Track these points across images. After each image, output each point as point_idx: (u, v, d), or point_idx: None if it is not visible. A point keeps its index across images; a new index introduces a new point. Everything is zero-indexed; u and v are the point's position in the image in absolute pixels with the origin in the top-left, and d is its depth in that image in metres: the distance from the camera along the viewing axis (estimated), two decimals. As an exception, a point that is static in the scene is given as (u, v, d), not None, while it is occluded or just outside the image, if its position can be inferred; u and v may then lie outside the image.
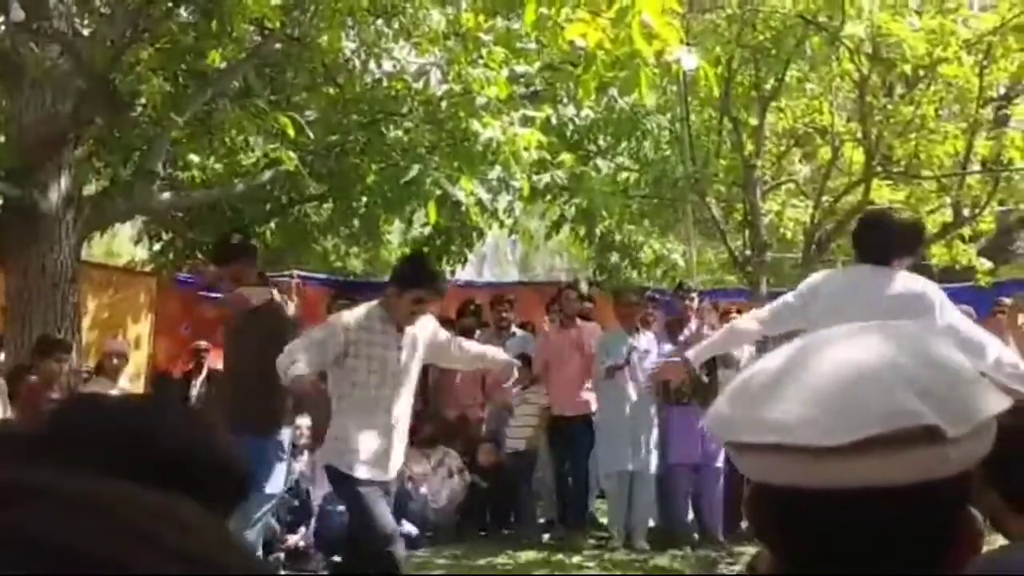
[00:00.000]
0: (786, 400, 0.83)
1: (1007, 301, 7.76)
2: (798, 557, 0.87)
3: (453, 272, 9.55)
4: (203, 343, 9.16)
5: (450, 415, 8.19)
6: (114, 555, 0.38)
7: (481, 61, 6.88)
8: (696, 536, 7.36)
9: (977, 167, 8.42)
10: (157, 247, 9.64)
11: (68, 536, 0.38)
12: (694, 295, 7.74)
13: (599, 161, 8.67)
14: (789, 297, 4.34)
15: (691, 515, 7.56)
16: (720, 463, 7.17)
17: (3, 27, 7.14)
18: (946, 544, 0.85)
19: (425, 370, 8.28)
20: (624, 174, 8.69)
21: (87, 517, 0.40)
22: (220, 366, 9.09)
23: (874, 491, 0.80)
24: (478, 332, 8.95)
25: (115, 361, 7.11)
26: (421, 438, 7.90)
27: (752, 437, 0.84)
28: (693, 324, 7.45)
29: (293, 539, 6.79)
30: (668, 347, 7.34)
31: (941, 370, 0.85)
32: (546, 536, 7.65)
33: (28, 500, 0.40)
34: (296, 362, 4.30)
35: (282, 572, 6.63)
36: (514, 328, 8.39)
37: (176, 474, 0.85)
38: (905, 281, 4.12)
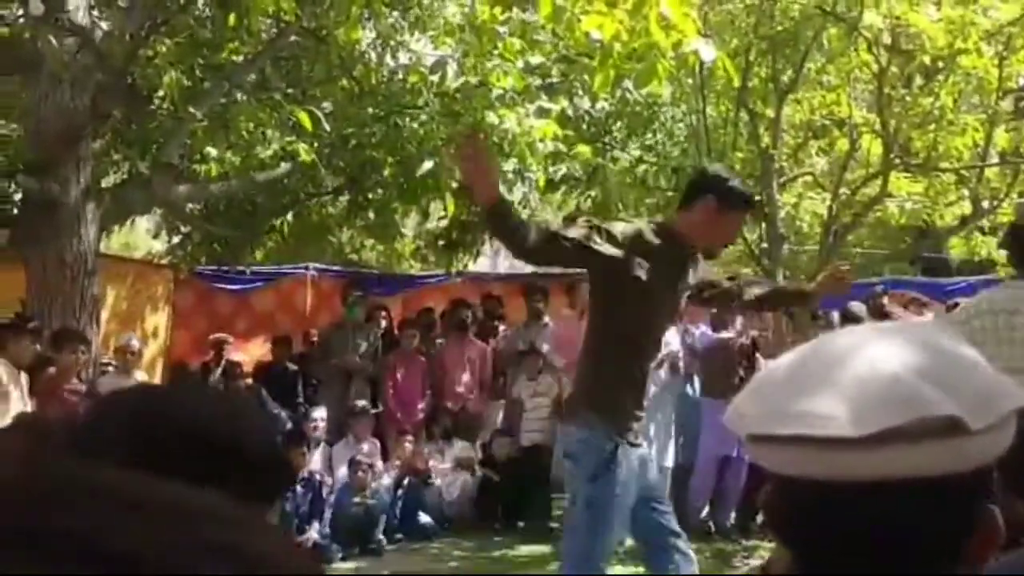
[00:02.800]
0: (809, 394, 0.83)
1: None
2: (817, 552, 0.86)
3: (466, 265, 9.57)
4: (225, 336, 9.21)
5: (453, 409, 8.21)
6: (175, 560, 0.38)
7: (496, 53, 6.87)
8: (711, 526, 7.37)
9: (996, 159, 8.34)
10: (175, 240, 9.70)
11: (128, 540, 0.38)
12: None
13: (617, 153, 8.67)
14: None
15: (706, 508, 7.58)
16: (747, 457, 7.21)
17: (22, 20, 7.18)
18: (966, 539, 0.85)
19: (428, 364, 8.36)
20: (642, 166, 8.68)
21: (146, 520, 0.40)
22: (238, 358, 9.19)
23: (897, 483, 0.81)
24: (503, 327, 8.98)
25: (129, 357, 7.17)
26: (435, 432, 7.94)
27: (777, 429, 0.84)
28: (739, 319, 7.51)
29: (309, 533, 6.81)
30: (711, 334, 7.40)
31: (957, 364, 0.85)
32: (561, 529, 7.66)
33: (86, 500, 0.40)
34: None
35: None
36: (546, 319, 8.40)
37: (221, 462, 0.85)
38: None
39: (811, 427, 0.81)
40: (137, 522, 0.40)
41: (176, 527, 0.40)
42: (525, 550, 6.94)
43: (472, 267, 10.44)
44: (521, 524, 7.75)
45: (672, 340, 7.41)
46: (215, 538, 0.40)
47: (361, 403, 7.79)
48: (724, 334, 7.41)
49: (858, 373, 0.83)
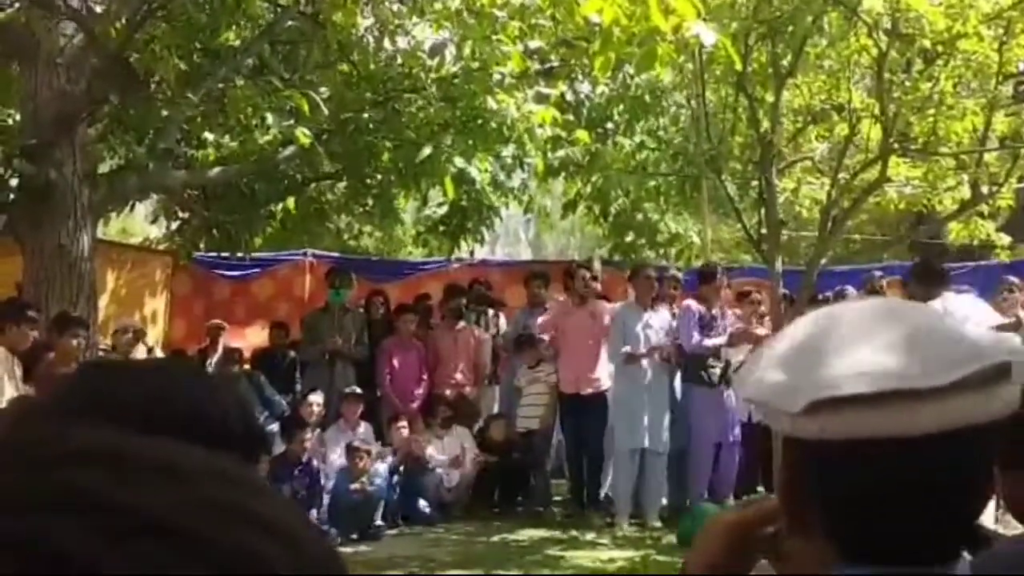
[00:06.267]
0: (858, 355, 0.83)
1: (1016, 280, 7.66)
2: (854, 517, 0.86)
3: (472, 252, 9.55)
4: (220, 322, 9.21)
5: (449, 395, 8.21)
6: (189, 521, 0.38)
7: (496, 37, 6.85)
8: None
9: (995, 144, 8.32)
10: (173, 226, 9.67)
11: (143, 500, 0.38)
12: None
13: (620, 139, 8.66)
14: None
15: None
16: (737, 439, 7.31)
17: (18, 4, 7.14)
18: (988, 484, 0.89)
19: (425, 350, 8.36)
20: (644, 152, 8.68)
21: (160, 480, 0.40)
22: (236, 344, 9.19)
23: (963, 432, 0.82)
24: (491, 312, 9.00)
25: (125, 338, 7.17)
26: (435, 418, 7.94)
27: (853, 389, 0.82)
28: (729, 316, 7.56)
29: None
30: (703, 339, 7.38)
31: (965, 321, 0.94)
32: (559, 513, 7.69)
33: (95, 460, 0.40)
34: None
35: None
36: (548, 304, 8.39)
37: (188, 434, 0.84)
38: None
39: (888, 383, 0.81)
40: (150, 480, 0.39)
41: (186, 486, 0.40)
42: (524, 534, 6.96)
43: (475, 253, 10.42)
44: (520, 509, 7.78)
45: (660, 328, 7.43)
46: (226, 498, 0.40)
47: (354, 388, 7.80)
48: (712, 341, 7.37)
49: (899, 334, 0.84)
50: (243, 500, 0.40)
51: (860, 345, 0.84)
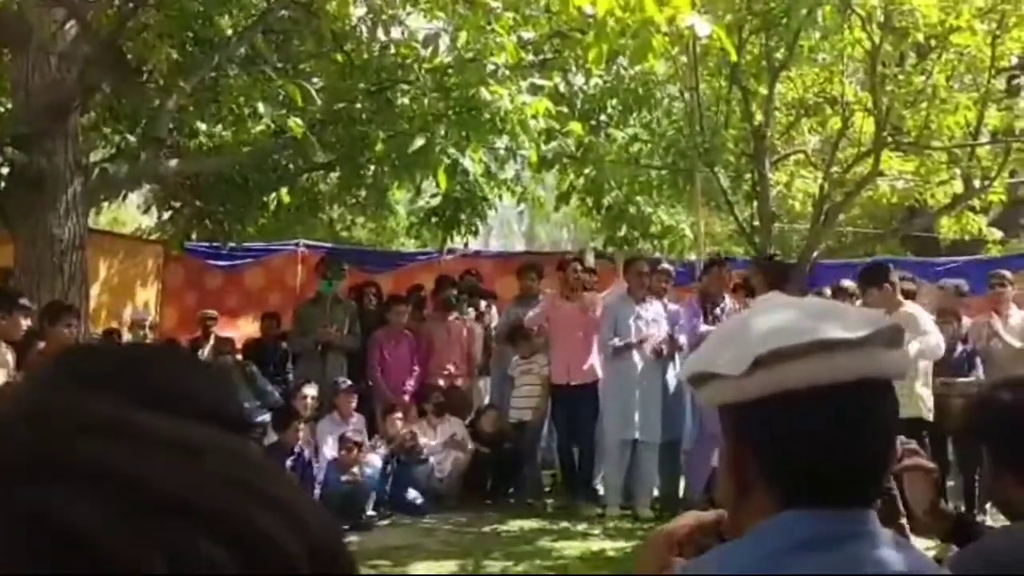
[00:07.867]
0: (785, 323, 1.01)
1: (1007, 274, 7.63)
2: (793, 460, 0.99)
3: (466, 243, 9.54)
4: (211, 311, 9.18)
5: (442, 385, 8.20)
6: (199, 496, 0.38)
7: (490, 28, 6.82)
8: (704, 504, 7.41)
9: (988, 137, 8.35)
10: (165, 215, 9.63)
11: (151, 473, 0.38)
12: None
13: (613, 131, 8.64)
14: None
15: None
16: None
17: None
18: (894, 438, 1.09)
19: (417, 341, 8.35)
20: (637, 145, 8.67)
21: (168, 455, 0.40)
22: (228, 334, 9.17)
23: (871, 382, 1.00)
24: (483, 303, 9.01)
25: (142, 331, 7.19)
26: (428, 408, 7.95)
27: (778, 344, 0.97)
28: (728, 303, 7.55)
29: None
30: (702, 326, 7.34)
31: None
32: (550, 504, 7.71)
33: (103, 432, 0.40)
34: None
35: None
36: (541, 296, 8.39)
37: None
38: None
39: (820, 334, 0.97)
40: (159, 454, 0.39)
41: (198, 461, 0.40)
42: (515, 525, 6.98)
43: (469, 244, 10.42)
44: (512, 500, 7.80)
45: (659, 320, 7.44)
46: (234, 475, 0.40)
47: (346, 380, 7.79)
48: (711, 328, 7.38)
49: (814, 307, 1.07)
50: (251, 478, 0.41)
51: (784, 318, 1.02)
